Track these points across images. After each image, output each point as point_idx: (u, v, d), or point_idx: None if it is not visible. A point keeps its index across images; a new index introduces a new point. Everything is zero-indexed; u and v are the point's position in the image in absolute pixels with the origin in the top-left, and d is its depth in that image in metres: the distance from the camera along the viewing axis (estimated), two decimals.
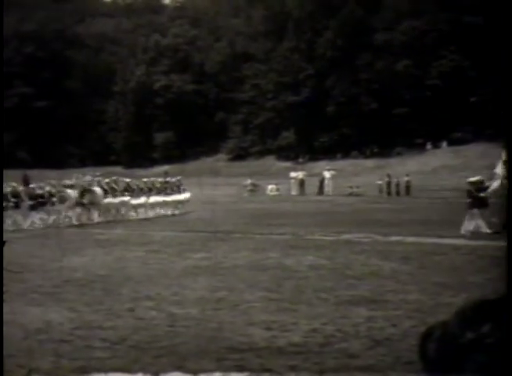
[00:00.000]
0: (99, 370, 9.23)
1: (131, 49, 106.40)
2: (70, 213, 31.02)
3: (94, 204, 31.84)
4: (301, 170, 64.03)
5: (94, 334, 10.94)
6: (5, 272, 15.05)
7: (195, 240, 24.42)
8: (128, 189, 34.45)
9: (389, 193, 55.26)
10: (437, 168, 73.29)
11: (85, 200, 31.43)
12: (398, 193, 55.13)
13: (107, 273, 16.88)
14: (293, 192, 59.57)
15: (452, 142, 79.18)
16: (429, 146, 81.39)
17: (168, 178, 39.32)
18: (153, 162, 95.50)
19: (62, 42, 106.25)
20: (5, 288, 14.71)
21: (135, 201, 34.49)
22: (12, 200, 28.63)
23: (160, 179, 38.54)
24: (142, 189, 35.30)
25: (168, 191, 37.04)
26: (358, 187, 56.59)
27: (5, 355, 9.80)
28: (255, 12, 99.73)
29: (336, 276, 16.12)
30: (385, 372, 9.09)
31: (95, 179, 34.20)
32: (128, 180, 36.03)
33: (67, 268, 17.83)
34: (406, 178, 55.95)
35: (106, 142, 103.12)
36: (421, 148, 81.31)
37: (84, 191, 31.70)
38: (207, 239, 24.59)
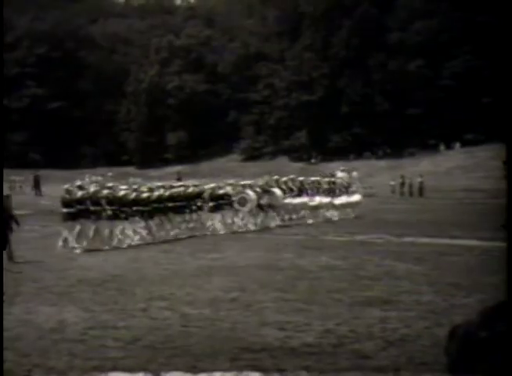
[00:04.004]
0: (113, 370, 9.25)
1: (144, 50, 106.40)
2: (250, 216, 28.50)
3: (273, 206, 29.61)
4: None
5: (108, 333, 10.97)
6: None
7: (207, 239, 24.46)
8: (302, 189, 31.60)
9: (402, 194, 55.16)
10: (450, 169, 73.02)
11: (264, 202, 29.05)
12: (411, 194, 55.02)
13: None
14: None
15: (465, 143, 78.92)
16: (442, 146, 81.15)
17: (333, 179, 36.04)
18: (166, 162, 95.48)
19: (75, 43, 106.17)
20: (22, 288, 14.80)
21: (314, 202, 31.73)
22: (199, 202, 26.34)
23: (331, 179, 35.16)
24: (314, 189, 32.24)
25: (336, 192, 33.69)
26: (371, 188, 56.47)
27: (21, 354, 9.86)
28: (269, 13, 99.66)
29: (349, 276, 16.12)
30: (398, 373, 9.08)
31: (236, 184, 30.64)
32: (301, 179, 32.91)
33: None
34: (419, 179, 55.83)
35: (119, 143, 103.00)
36: (434, 149, 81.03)
37: (263, 192, 29.24)
38: (220, 239, 24.60)
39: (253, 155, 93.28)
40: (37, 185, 60.00)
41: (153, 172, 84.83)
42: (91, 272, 16.97)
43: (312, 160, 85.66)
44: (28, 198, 51.71)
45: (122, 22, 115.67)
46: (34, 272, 17.23)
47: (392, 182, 57.52)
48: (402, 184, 56.50)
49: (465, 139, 79.04)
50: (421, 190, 54.93)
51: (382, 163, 79.18)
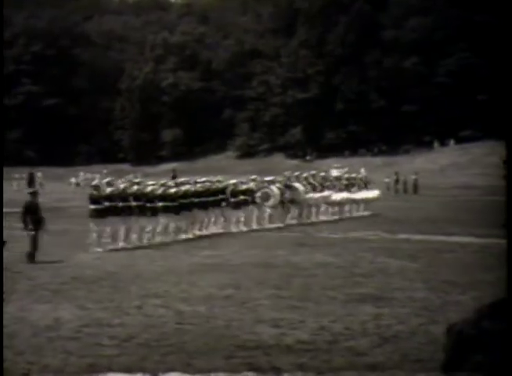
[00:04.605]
0: (107, 368, 9.24)
1: (139, 47, 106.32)
2: (272, 212, 27.66)
3: (295, 202, 28.75)
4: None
5: (103, 331, 10.95)
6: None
7: (203, 237, 24.42)
8: (324, 185, 30.69)
9: (396, 191, 55.17)
10: (444, 166, 73.16)
11: (286, 198, 28.19)
12: (405, 191, 55.03)
13: None
14: None
15: (460, 140, 79.08)
16: (436, 143, 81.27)
17: (354, 174, 35.31)
18: (161, 160, 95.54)
19: (70, 40, 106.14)
20: (16, 286, 14.75)
21: (335, 198, 30.92)
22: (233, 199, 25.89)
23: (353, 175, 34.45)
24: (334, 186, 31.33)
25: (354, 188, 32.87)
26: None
27: (15, 352, 9.84)
28: (264, 9, 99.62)
29: (344, 273, 16.11)
30: (393, 370, 9.08)
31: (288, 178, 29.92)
32: (323, 174, 32.38)
33: None
34: (414, 177, 55.83)
35: (114, 140, 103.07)
36: (429, 146, 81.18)
37: (285, 188, 28.38)
38: (216, 236, 24.57)
39: (248, 152, 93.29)
40: (31, 182, 60.10)
41: (148, 169, 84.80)
42: (86, 270, 16.93)
43: (307, 158, 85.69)
44: (23, 195, 51.62)
45: (117, 19, 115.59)
46: (28, 269, 17.18)
47: (387, 180, 57.50)
48: (397, 181, 56.52)
49: (460, 135, 79.16)
50: (416, 187, 54.92)
51: (377, 160, 79.25)
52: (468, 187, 55.46)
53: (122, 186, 22.58)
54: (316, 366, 9.19)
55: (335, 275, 15.92)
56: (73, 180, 69.94)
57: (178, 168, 71.85)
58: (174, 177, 51.34)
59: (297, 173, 31.08)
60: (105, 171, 76.16)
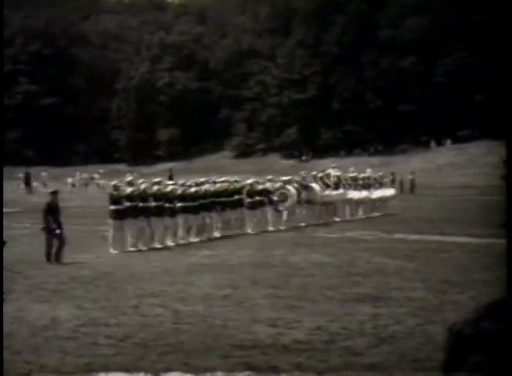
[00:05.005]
0: (104, 368, 9.23)
1: (135, 47, 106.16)
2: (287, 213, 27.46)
3: (311, 202, 28.49)
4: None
5: (99, 331, 10.95)
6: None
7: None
8: (339, 184, 30.46)
9: None
10: (441, 166, 73.18)
11: (302, 199, 27.89)
12: (402, 191, 55.01)
13: None
14: None
15: (457, 140, 79.11)
16: (433, 143, 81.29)
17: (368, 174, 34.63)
18: (157, 159, 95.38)
19: (67, 40, 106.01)
20: (14, 286, 14.73)
21: (352, 196, 30.83)
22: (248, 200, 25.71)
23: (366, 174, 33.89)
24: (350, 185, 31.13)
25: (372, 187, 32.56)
26: None
27: (12, 351, 9.83)
28: (261, 9, 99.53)
29: (341, 273, 16.12)
30: (390, 370, 9.08)
31: (309, 175, 29.90)
32: (338, 174, 31.77)
33: None
34: (411, 176, 55.83)
35: (111, 140, 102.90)
36: (426, 146, 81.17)
37: (302, 188, 28.07)
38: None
39: (244, 152, 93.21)
40: (27, 182, 60.16)
41: (144, 169, 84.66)
42: (83, 270, 16.93)
43: (303, 158, 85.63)
44: (19, 195, 51.65)
45: (114, 19, 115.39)
46: (26, 269, 17.17)
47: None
48: (393, 181, 56.48)
49: (458, 135, 79.18)
50: (412, 187, 54.93)
51: (373, 160, 79.13)
52: (465, 187, 55.47)
53: (143, 186, 22.31)
54: (313, 366, 9.19)
55: (332, 275, 15.94)
56: (69, 180, 69.86)
57: (174, 167, 71.83)
58: (170, 177, 51.35)
59: (313, 173, 30.83)
60: (101, 170, 76.11)
